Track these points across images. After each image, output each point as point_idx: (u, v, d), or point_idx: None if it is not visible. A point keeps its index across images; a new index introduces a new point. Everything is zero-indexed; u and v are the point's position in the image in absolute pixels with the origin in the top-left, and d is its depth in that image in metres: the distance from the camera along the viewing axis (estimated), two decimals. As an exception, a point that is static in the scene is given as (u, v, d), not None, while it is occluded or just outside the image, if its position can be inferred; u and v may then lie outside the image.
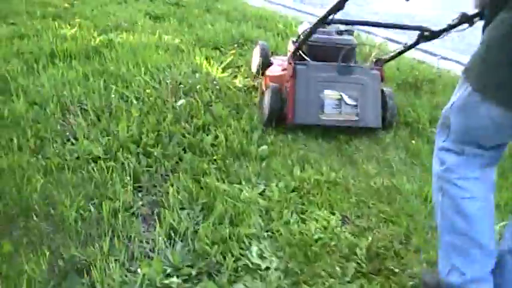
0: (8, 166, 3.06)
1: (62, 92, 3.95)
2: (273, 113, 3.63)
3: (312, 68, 3.65)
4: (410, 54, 5.04)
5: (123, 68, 4.35)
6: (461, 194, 2.09)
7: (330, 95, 3.60)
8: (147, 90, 3.94)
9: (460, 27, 2.97)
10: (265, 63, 4.25)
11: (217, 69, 4.41)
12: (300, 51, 3.77)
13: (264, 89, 3.91)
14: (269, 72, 4.08)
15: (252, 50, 4.58)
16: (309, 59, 3.73)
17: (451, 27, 3.10)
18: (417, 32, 3.38)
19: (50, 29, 5.28)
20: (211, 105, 3.77)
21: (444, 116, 2.14)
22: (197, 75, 4.27)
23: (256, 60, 4.39)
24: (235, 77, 4.37)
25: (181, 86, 4.00)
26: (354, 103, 3.62)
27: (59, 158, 3.15)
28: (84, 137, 3.35)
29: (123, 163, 3.07)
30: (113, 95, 3.86)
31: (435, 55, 5.23)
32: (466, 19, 2.92)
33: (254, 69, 4.40)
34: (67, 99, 3.84)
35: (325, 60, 3.72)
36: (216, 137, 3.40)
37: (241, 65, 4.58)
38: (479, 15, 2.71)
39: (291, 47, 3.89)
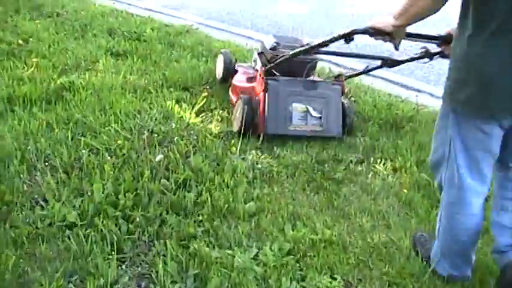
0: (-29, 239, 2.80)
1: (26, 145, 3.66)
2: (246, 124, 3.92)
3: (282, 83, 3.97)
4: (385, 88, 4.95)
5: (89, 115, 4.08)
6: (457, 213, 2.58)
7: (297, 108, 3.96)
8: (119, 141, 3.68)
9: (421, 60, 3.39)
10: (230, 70, 4.64)
11: (191, 113, 4.19)
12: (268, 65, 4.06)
13: (234, 98, 4.25)
14: (237, 81, 4.41)
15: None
16: (276, 73, 4.03)
17: (412, 59, 3.55)
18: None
19: (5, 70, 4.97)
20: (189, 157, 3.54)
21: (442, 149, 2.56)
22: (170, 121, 4.03)
23: (220, 67, 4.74)
24: (210, 121, 4.15)
25: (155, 135, 3.77)
26: (319, 115, 4.00)
27: (29, 226, 2.88)
28: (54, 199, 3.09)
29: (102, 230, 2.82)
30: (82, 149, 3.60)
31: (410, 88, 5.14)
32: (428, 54, 3.32)
33: (219, 76, 4.78)
34: (32, 154, 3.56)
35: (290, 74, 4.05)
36: (199, 193, 3.18)
37: (215, 108, 4.37)
38: (440, 53, 3.21)
39: (257, 59, 4.25)
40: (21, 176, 3.35)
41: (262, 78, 3.97)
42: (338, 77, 4.32)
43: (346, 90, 4.23)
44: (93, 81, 4.73)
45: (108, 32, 6.24)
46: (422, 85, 5.26)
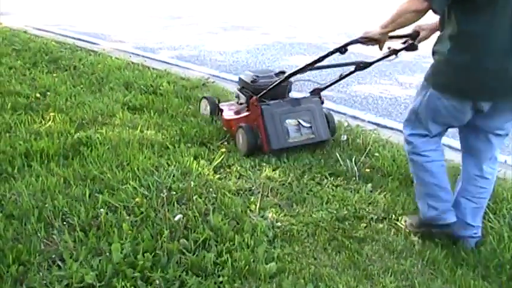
0: (-12, 302, 2.75)
1: (43, 203, 3.64)
2: (251, 146, 4.52)
3: (273, 106, 4.61)
4: (397, 140, 4.90)
5: (107, 171, 4.06)
6: (426, 159, 3.40)
7: (291, 123, 4.61)
8: (137, 199, 3.65)
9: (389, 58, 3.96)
10: (216, 110, 5.24)
11: (209, 170, 4.15)
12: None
13: (234, 130, 4.76)
14: (229, 116, 4.96)
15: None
16: (265, 100, 4.65)
17: (381, 59, 4.07)
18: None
19: (23, 124, 4.99)
20: (208, 215, 3.49)
21: (412, 112, 3.39)
22: (188, 178, 3.99)
23: (207, 109, 5.34)
24: (229, 178, 4.11)
25: (173, 193, 3.72)
26: (309, 125, 4.66)
27: (46, 287, 2.84)
28: (72, 259, 3.05)
29: (120, 293, 2.77)
30: (100, 207, 3.57)
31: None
32: (393, 52, 3.89)
33: (204, 113, 5.36)
34: (49, 212, 3.53)
35: (274, 98, 4.68)
36: (219, 254, 3.12)
37: (233, 164, 4.33)
38: (404, 48, 3.78)
39: (239, 94, 4.98)
40: (39, 234, 3.32)
41: (256, 105, 4.59)
42: (314, 91, 4.94)
43: (323, 100, 4.91)
44: (110, 136, 4.72)
45: (125, 86, 6.26)
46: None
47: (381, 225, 3.61)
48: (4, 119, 5.11)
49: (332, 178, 4.20)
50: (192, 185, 3.80)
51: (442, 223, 3.39)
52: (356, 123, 5.33)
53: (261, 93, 4.64)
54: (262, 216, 3.61)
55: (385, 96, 6.44)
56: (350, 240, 3.41)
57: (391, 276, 3.09)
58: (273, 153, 4.52)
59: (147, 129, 4.94)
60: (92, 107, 5.48)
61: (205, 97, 5.49)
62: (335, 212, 3.73)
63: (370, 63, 4.33)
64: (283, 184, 4.09)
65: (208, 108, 5.33)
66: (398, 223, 3.61)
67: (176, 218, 3.38)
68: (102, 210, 3.51)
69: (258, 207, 3.68)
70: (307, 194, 3.97)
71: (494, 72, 2.99)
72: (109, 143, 4.56)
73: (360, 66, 4.37)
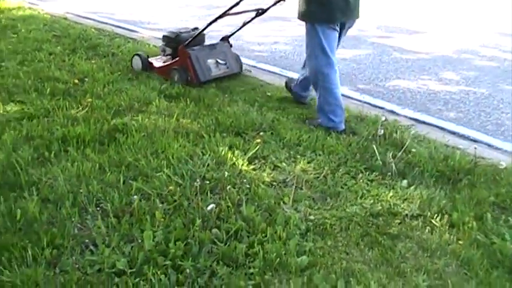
0: (21, 282, 2.78)
1: (78, 188, 3.68)
2: (184, 81, 5.91)
3: (197, 51, 6.00)
4: (441, 138, 4.82)
5: (141, 159, 4.08)
6: (335, 82, 4.79)
7: (211, 62, 6.05)
8: (170, 187, 3.65)
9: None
10: (146, 63, 6.40)
11: (243, 160, 4.14)
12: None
13: (167, 74, 6.12)
14: (160, 64, 6.30)
15: None
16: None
17: (273, 4, 5.38)
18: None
19: (61, 109, 5.04)
20: (240, 206, 3.48)
21: (319, 45, 4.71)
22: (222, 168, 3.99)
23: (139, 64, 6.43)
24: (263, 169, 4.08)
25: (207, 182, 3.72)
26: (224, 62, 6.15)
27: (78, 271, 2.88)
28: (104, 245, 3.07)
29: (151, 280, 2.77)
30: (133, 194, 3.58)
31: (467, 138, 5.01)
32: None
33: (138, 68, 6.44)
34: (84, 197, 3.56)
35: (194, 45, 6.04)
36: (251, 245, 3.10)
37: (268, 155, 4.30)
38: None
39: (165, 48, 6.31)
40: (73, 219, 3.35)
41: (184, 52, 5.94)
42: (224, 38, 6.40)
43: (232, 44, 6.40)
44: (146, 123, 4.74)
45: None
46: (480, 135, 5.11)
47: (415, 223, 3.55)
48: (43, 104, 5.17)
49: (367, 173, 4.15)
50: (225, 175, 3.79)
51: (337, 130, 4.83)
52: (393, 118, 5.26)
53: (187, 42, 6.00)
54: (295, 209, 3.58)
55: (424, 92, 6.34)
56: (383, 236, 3.36)
57: (424, 275, 3.03)
58: (200, 84, 5.86)
59: (183, 118, 4.94)
60: (129, 94, 5.51)
61: (137, 54, 6.55)
62: (369, 207, 3.68)
63: (266, 9, 5.69)
64: (318, 177, 4.05)
65: (140, 63, 6.42)
66: (433, 221, 3.55)
67: (209, 208, 3.38)
68: (135, 197, 3.53)
69: (291, 199, 3.66)
70: (342, 188, 3.92)
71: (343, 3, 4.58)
72: (144, 131, 4.58)
73: (259, 13, 5.77)
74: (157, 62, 6.36)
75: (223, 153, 4.22)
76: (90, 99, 5.29)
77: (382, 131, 4.77)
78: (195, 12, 10.02)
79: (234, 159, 4.15)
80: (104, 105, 5.20)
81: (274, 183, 3.93)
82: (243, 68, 6.48)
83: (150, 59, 6.41)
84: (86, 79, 5.97)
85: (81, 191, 3.63)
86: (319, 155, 4.39)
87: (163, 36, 6.35)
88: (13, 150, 4.23)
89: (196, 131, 4.65)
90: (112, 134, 4.55)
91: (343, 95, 5.45)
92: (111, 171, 3.93)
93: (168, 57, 6.28)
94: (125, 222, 3.28)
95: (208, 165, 4.01)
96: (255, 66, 6.87)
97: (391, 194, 3.86)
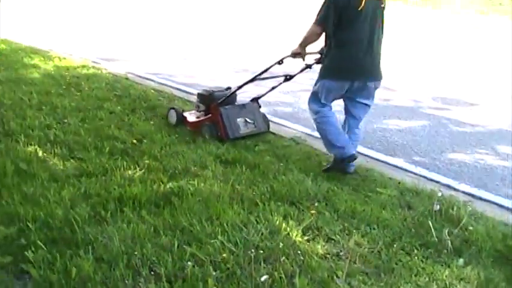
0: None
1: (132, 249, 3.71)
2: (214, 137, 6.35)
3: (228, 109, 6.48)
4: (500, 216, 4.73)
5: (196, 224, 4.10)
6: (327, 119, 5.51)
7: (240, 121, 6.46)
8: (224, 255, 3.66)
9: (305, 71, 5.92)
10: (181, 117, 6.83)
11: (297, 231, 4.12)
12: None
13: (199, 128, 6.56)
14: (193, 119, 6.74)
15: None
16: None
17: (301, 71, 5.98)
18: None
19: (118, 169, 5.14)
20: (293, 277, 3.45)
21: (315, 93, 5.54)
22: (276, 237, 3.98)
23: (173, 117, 6.90)
24: (317, 241, 4.06)
25: (261, 251, 3.71)
26: (252, 122, 6.57)
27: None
28: (157, 310, 3.08)
29: None
30: (187, 260, 3.60)
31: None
32: (308, 66, 5.84)
33: (173, 122, 6.88)
34: (137, 259, 3.59)
35: (226, 104, 6.53)
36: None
37: (322, 226, 4.27)
38: (316, 63, 5.73)
39: (200, 104, 6.75)
40: (126, 281, 3.38)
41: (216, 109, 6.42)
42: (254, 99, 6.81)
43: (260, 105, 6.83)
44: (202, 188, 4.78)
45: (218, 139, 6.36)
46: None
47: (472, 304, 3.46)
48: (101, 162, 5.28)
49: (422, 249, 4.09)
50: (280, 245, 3.78)
51: (346, 156, 5.40)
52: (449, 193, 5.19)
53: (220, 100, 6.47)
54: (348, 284, 3.54)
55: (481, 166, 6.27)
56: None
57: None
58: (229, 141, 6.25)
59: (238, 184, 4.97)
60: (185, 157, 5.58)
61: (172, 108, 7.04)
62: (424, 285, 3.62)
63: (294, 75, 6.16)
64: (372, 251, 4.01)
65: (175, 116, 6.86)
66: (490, 303, 3.46)
67: (262, 279, 3.36)
68: (189, 263, 3.54)
69: (344, 273, 3.61)
70: (396, 264, 3.87)
71: (361, 63, 5.34)
72: (200, 195, 4.62)
73: (287, 78, 6.26)
74: (190, 116, 6.78)
75: (277, 222, 4.22)
76: (147, 161, 5.38)
77: (438, 207, 4.71)
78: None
79: (288, 229, 4.14)
80: (160, 167, 5.28)
81: (328, 255, 3.89)
82: (270, 127, 6.92)
83: (184, 113, 6.85)
84: (144, 140, 6.08)
85: (135, 252, 3.67)
86: (374, 228, 4.35)
87: (198, 93, 6.85)
88: (71, 207, 4.31)
89: (251, 198, 4.66)
90: (168, 196, 4.59)
91: (397, 166, 5.43)
92: (166, 234, 3.97)
93: (201, 113, 6.69)
94: (178, 288, 3.29)
95: (262, 234, 4.01)
96: (310, 135, 6.90)
97: (446, 272, 3.79)
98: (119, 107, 7.45)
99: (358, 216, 4.50)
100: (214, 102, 6.48)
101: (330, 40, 5.32)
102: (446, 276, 3.74)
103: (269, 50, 11.30)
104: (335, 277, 3.59)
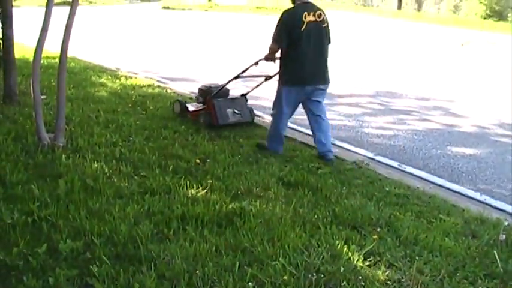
0: None
1: (194, 268, 3.76)
2: (208, 123, 7.72)
3: (221, 101, 7.81)
4: None
5: (257, 245, 4.12)
6: (280, 119, 6.79)
7: (229, 111, 7.77)
8: (285, 277, 3.67)
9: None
10: (184, 107, 8.23)
11: (359, 256, 4.09)
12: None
13: (197, 116, 7.97)
14: (193, 109, 8.10)
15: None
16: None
17: (276, 74, 7.04)
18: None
19: (181, 188, 5.21)
20: (355, 304, 3.44)
21: (278, 96, 6.70)
22: (337, 262, 3.96)
23: (179, 107, 8.36)
24: (378, 267, 4.02)
25: (321, 275, 3.70)
26: (239, 113, 7.86)
27: None
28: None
29: None
30: (247, 281, 3.61)
31: None
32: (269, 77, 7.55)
33: (178, 111, 8.37)
34: (199, 278, 3.63)
35: (220, 97, 7.88)
36: None
37: (383, 252, 4.23)
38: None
39: (199, 97, 8.17)
40: (187, 300, 3.41)
41: (210, 101, 7.75)
42: (243, 95, 8.17)
43: (248, 99, 8.18)
44: (264, 209, 4.81)
45: (282, 161, 6.38)
46: None
47: None
48: (165, 181, 5.37)
49: (487, 280, 3.99)
50: (340, 270, 3.76)
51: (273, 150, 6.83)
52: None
53: (213, 94, 7.81)
54: (408, 311, 3.49)
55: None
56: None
57: None
58: (219, 127, 7.60)
59: (300, 207, 4.97)
60: (248, 178, 5.62)
61: (178, 100, 8.65)
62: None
63: (273, 76, 7.27)
64: (434, 279, 3.93)
65: (179, 107, 8.30)
66: None
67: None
68: (250, 284, 3.55)
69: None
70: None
71: (309, 72, 6.46)
72: (262, 217, 4.64)
73: (266, 78, 7.55)
74: (191, 107, 8.15)
75: (338, 246, 4.20)
76: (210, 180, 5.43)
77: (504, 236, 4.61)
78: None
79: (350, 253, 4.11)
80: (223, 187, 5.33)
81: (389, 282, 3.84)
82: (255, 119, 8.27)
83: (187, 105, 8.25)
84: (208, 160, 6.15)
85: (197, 271, 3.71)
86: (436, 256, 4.27)
87: (198, 88, 8.23)
88: (135, 224, 4.41)
89: (313, 222, 4.66)
90: (230, 217, 4.63)
91: (461, 193, 5.35)
92: (227, 254, 4.00)
93: (200, 104, 8.04)
94: (238, 308, 3.30)
95: (323, 257, 4.00)
96: (373, 159, 6.86)
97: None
98: (183, 127, 7.58)
99: (420, 243, 4.44)
100: (210, 96, 7.82)
101: (285, 54, 6.52)
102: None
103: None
104: (396, 305, 3.55)
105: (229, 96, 8.10)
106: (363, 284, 3.71)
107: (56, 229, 4.23)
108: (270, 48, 6.62)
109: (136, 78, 11.33)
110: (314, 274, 3.62)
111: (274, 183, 5.55)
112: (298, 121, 7.90)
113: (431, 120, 9.36)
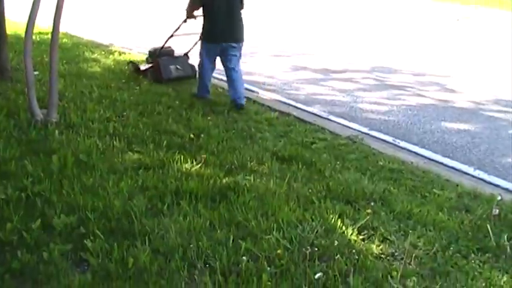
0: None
1: (188, 242, 3.77)
2: (154, 79, 8.74)
3: (165, 59, 8.84)
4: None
5: (251, 219, 4.13)
6: (205, 68, 7.96)
7: (172, 68, 8.82)
8: (279, 251, 3.68)
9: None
10: (137, 68, 9.27)
11: (353, 230, 4.10)
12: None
13: (147, 73, 8.96)
14: (144, 68, 9.10)
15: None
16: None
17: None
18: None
19: (175, 162, 5.20)
20: (348, 276, 3.44)
21: (200, 55, 7.98)
22: (331, 236, 3.97)
23: (131, 68, 9.41)
24: (372, 241, 4.03)
25: (315, 249, 3.71)
26: (182, 69, 8.92)
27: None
28: (211, 302, 3.11)
29: None
30: (241, 254, 3.63)
31: None
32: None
33: (131, 70, 9.41)
34: (193, 252, 3.64)
35: (165, 56, 8.93)
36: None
37: (377, 226, 4.24)
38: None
39: (148, 58, 9.23)
40: (181, 273, 3.43)
41: (157, 60, 8.78)
42: (185, 54, 9.14)
43: (189, 57, 9.12)
44: (258, 184, 4.81)
45: (275, 135, 6.36)
46: None
47: None
48: (159, 156, 5.36)
49: (479, 253, 4.02)
50: (334, 244, 3.77)
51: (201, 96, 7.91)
52: (510, 197, 5.09)
53: (157, 54, 8.83)
54: (403, 285, 3.51)
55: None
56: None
57: None
58: (164, 82, 8.60)
59: (294, 181, 4.97)
60: (242, 153, 5.62)
61: (131, 61, 9.70)
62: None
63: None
64: (428, 253, 3.95)
65: (133, 68, 9.30)
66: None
67: (316, 276, 3.37)
68: (244, 257, 3.56)
69: (399, 274, 3.58)
70: (452, 267, 3.81)
71: (221, 31, 7.45)
72: (256, 191, 4.64)
73: (201, 37, 7.98)
74: (142, 67, 9.23)
75: (332, 220, 4.21)
76: (204, 155, 5.42)
77: (497, 211, 4.62)
78: (312, 75, 10.03)
79: (344, 227, 4.13)
80: (217, 162, 5.33)
81: (383, 255, 3.87)
82: (197, 74, 8.67)
83: (139, 65, 9.34)
84: (202, 135, 6.13)
85: (191, 245, 3.72)
86: (430, 230, 4.30)
87: (148, 51, 9.30)
88: (129, 199, 4.40)
89: (307, 196, 4.67)
90: (224, 191, 4.63)
91: (455, 168, 5.38)
92: (221, 228, 4.01)
93: (150, 64, 9.08)
94: (232, 282, 3.32)
95: (317, 231, 4.01)
96: (367, 134, 6.86)
97: (505, 278, 3.71)
98: (176, 102, 7.54)
99: (414, 217, 4.46)
100: (156, 55, 8.96)
101: (202, 14, 7.61)
102: (504, 282, 3.67)
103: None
104: (389, 278, 3.56)
105: (173, 55, 9.18)
106: (357, 257, 3.72)
107: (50, 204, 4.22)
108: (186, 10, 7.86)
109: (130, 53, 11.25)
110: (308, 248, 3.63)
111: (268, 157, 5.55)
112: (293, 96, 7.87)
113: (426, 96, 9.34)
